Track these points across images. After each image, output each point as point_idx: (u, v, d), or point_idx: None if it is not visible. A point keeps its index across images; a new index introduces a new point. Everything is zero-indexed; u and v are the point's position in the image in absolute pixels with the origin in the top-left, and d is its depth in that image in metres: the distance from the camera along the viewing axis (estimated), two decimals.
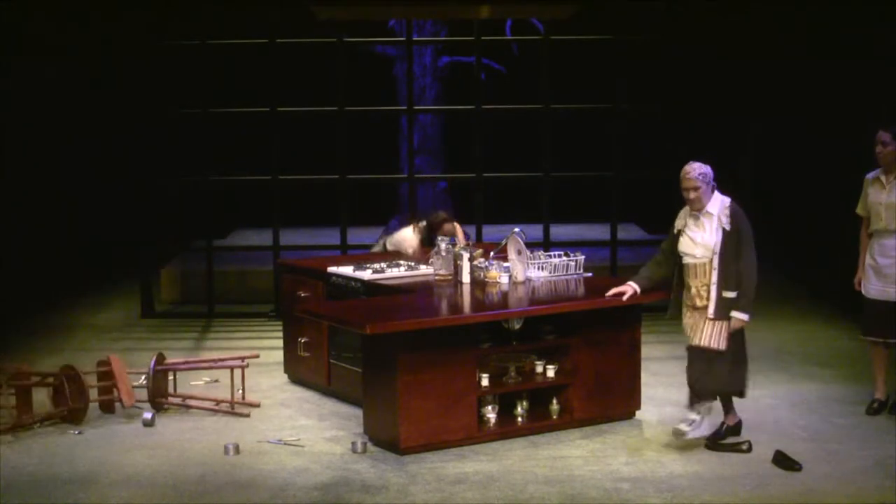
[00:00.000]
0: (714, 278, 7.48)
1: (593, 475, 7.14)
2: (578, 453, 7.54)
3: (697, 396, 7.66)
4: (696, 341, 7.60)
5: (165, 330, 11.53)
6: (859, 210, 8.35)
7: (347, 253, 11.77)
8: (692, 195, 7.48)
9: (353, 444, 7.67)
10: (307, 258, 10.49)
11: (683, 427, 7.56)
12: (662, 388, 9.04)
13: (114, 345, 10.75)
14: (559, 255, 8.79)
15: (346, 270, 8.83)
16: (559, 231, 12.95)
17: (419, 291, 8.29)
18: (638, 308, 8.27)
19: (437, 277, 8.58)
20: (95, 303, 12.77)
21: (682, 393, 8.90)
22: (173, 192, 13.08)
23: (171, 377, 8.67)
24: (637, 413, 8.30)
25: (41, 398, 8.49)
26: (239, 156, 13.76)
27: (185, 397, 8.64)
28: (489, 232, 12.03)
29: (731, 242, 7.44)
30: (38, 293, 12.98)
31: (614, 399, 8.16)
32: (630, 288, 7.88)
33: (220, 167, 12.38)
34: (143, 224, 12.15)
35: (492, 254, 8.81)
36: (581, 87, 13.03)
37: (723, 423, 7.75)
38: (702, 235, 7.52)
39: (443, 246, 8.59)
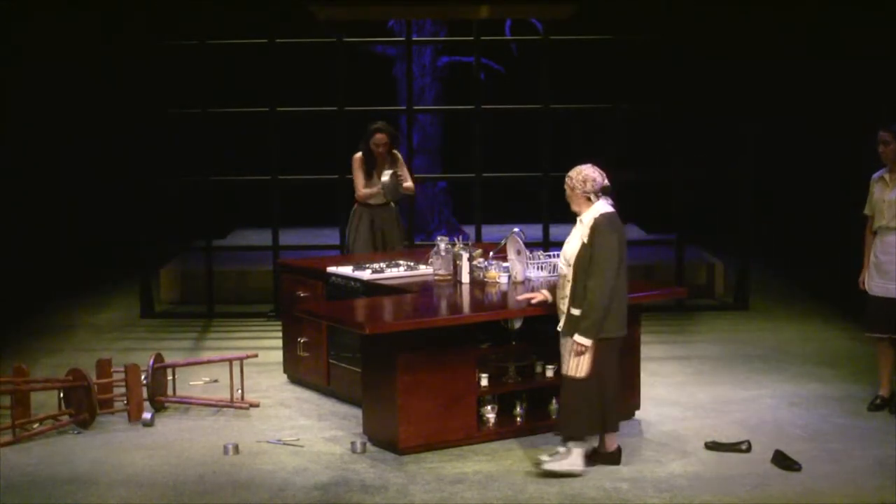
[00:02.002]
0: (567, 292, 7.12)
1: (592, 475, 7.14)
2: None
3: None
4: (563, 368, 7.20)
5: (165, 330, 11.53)
6: (866, 210, 8.41)
7: (347, 253, 11.76)
8: (567, 195, 7.20)
9: (353, 443, 7.67)
10: (307, 258, 10.49)
11: (544, 457, 7.18)
12: (662, 388, 9.04)
13: (113, 345, 10.75)
14: (559, 256, 8.77)
15: (346, 270, 8.82)
16: (559, 231, 12.92)
17: (418, 291, 8.28)
18: (637, 308, 8.25)
19: (436, 277, 8.58)
20: (95, 303, 12.76)
21: (682, 393, 8.93)
22: (173, 192, 13.07)
23: (170, 377, 8.67)
24: (636, 413, 8.29)
25: (41, 398, 8.48)
26: (239, 156, 13.76)
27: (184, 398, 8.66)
28: (489, 232, 12.02)
29: (585, 257, 7.02)
30: (38, 293, 12.98)
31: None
32: (541, 294, 7.51)
33: (220, 167, 12.38)
34: (143, 224, 12.14)
35: (491, 254, 8.81)
36: (581, 87, 13.02)
37: (593, 450, 7.29)
38: (570, 245, 7.18)
39: (442, 246, 8.60)
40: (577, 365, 7.06)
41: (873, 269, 8.32)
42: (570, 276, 7.09)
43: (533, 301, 7.52)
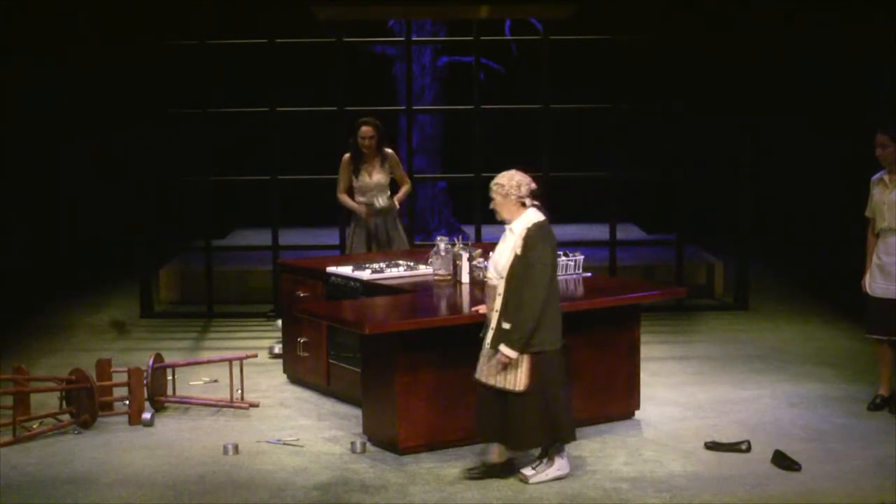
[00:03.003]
0: (497, 305, 6.87)
1: (592, 475, 7.14)
2: (577, 453, 7.53)
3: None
4: (481, 376, 6.96)
5: (164, 330, 11.52)
6: (868, 212, 8.41)
7: (347, 253, 11.76)
8: (491, 204, 6.95)
9: (353, 444, 7.66)
10: (306, 258, 10.50)
11: (527, 471, 7.03)
12: (662, 388, 9.04)
13: (113, 345, 10.75)
14: (558, 255, 8.77)
15: (346, 270, 8.82)
16: (558, 231, 12.81)
17: (418, 291, 8.28)
18: (637, 308, 8.26)
19: (436, 277, 8.57)
20: (95, 303, 12.76)
21: (682, 393, 8.93)
22: (173, 192, 13.07)
23: (170, 377, 8.68)
24: (636, 413, 8.29)
25: (41, 398, 8.49)
26: (239, 156, 13.76)
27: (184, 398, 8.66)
28: (489, 232, 12.01)
29: (518, 268, 6.78)
30: (38, 293, 12.98)
31: (613, 399, 8.16)
32: (484, 307, 7.20)
33: (220, 167, 12.38)
34: (143, 224, 12.14)
35: (491, 254, 8.80)
36: (580, 87, 13.02)
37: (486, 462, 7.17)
38: (499, 254, 6.94)
39: (442, 246, 8.60)
40: (515, 378, 6.83)
41: (876, 271, 8.32)
42: (500, 289, 6.86)
43: (480, 310, 7.27)
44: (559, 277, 8.56)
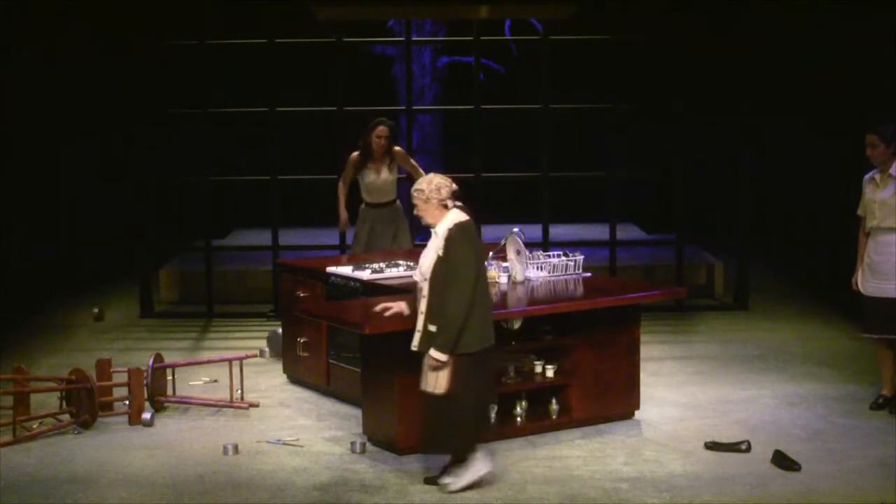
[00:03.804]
0: (423, 307, 6.83)
1: (592, 475, 7.14)
2: (577, 453, 7.53)
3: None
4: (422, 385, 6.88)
5: (164, 330, 11.53)
6: (859, 211, 8.42)
7: (346, 253, 11.77)
8: (415, 211, 6.92)
9: (353, 444, 7.66)
10: (306, 258, 10.50)
11: (445, 480, 6.91)
12: (661, 388, 9.04)
13: (113, 345, 10.75)
14: (558, 256, 8.79)
15: (346, 270, 8.82)
16: (558, 231, 12.96)
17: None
18: (637, 308, 8.26)
19: None
20: (94, 302, 12.76)
21: (682, 393, 8.93)
22: (173, 192, 13.07)
23: (169, 377, 8.68)
24: (636, 413, 8.29)
25: (41, 398, 8.48)
26: (239, 156, 13.76)
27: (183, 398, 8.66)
28: (488, 232, 11.98)
29: (441, 270, 6.72)
30: (38, 293, 12.98)
31: (613, 399, 8.16)
32: (397, 306, 7.16)
33: (220, 167, 12.38)
34: (143, 224, 12.14)
35: (491, 254, 8.80)
36: (580, 87, 13.02)
37: (445, 467, 7.05)
38: (424, 257, 6.87)
39: None
40: (436, 381, 6.75)
41: (867, 270, 8.32)
42: (425, 291, 6.80)
43: (387, 313, 7.15)
44: (559, 277, 8.62)
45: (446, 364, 6.72)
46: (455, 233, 6.76)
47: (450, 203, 6.87)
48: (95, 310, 11.94)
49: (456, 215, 6.85)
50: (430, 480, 7.02)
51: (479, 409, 6.91)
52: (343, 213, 10.47)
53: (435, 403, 6.80)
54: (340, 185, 10.41)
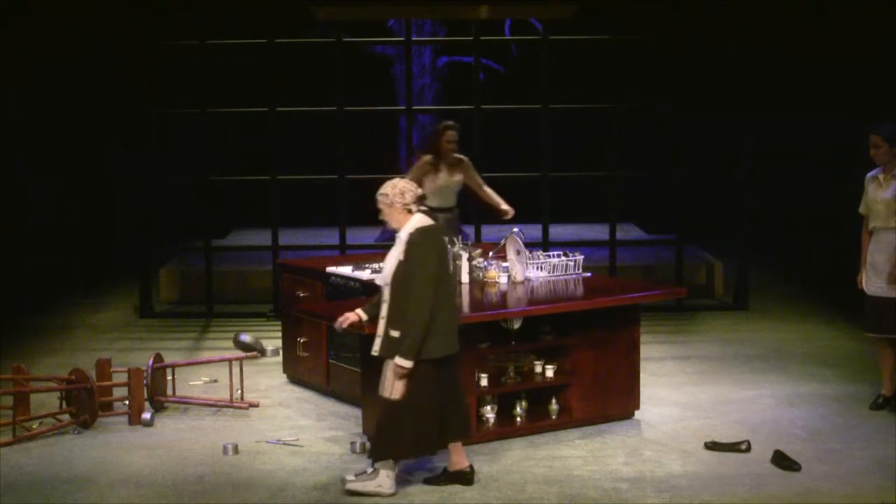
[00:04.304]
0: (384, 311, 6.77)
1: (592, 475, 7.14)
2: (577, 453, 7.53)
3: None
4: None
5: (164, 330, 11.52)
6: (861, 209, 8.43)
7: (346, 253, 11.77)
8: (380, 215, 6.87)
9: (352, 444, 7.66)
10: (306, 258, 10.49)
11: (349, 476, 6.87)
12: (661, 388, 9.04)
13: (113, 345, 10.75)
14: (558, 255, 8.79)
15: (345, 270, 8.82)
16: (558, 231, 12.96)
17: None
18: (637, 308, 8.26)
19: None
20: (94, 303, 12.77)
21: (682, 393, 8.93)
22: (173, 192, 13.07)
23: (169, 377, 8.68)
24: (636, 413, 8.29)
25: (41, 398, 8.48)
26: (238, 155, 13.76)
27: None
28: (488, 232, 12.03)
29: (403, 274, 6.67)
30: (38, 293, 12.97)
31: (613, 399, 8.16)
32: (354, 315, 7.02)
33: (220, 167, 12.38)
34: (143, 224, 12.14)
35: (491, 254, 8.81)
36: (580, 87, 13.02)
37: (444, 469, 7.04)
38: (387, 263, 6.83)
39: None
40: (393, 387, 6.69)
41: (870, 269, 8.33)
42: (386, 296, 6.75)
43: (344, 325, 7.05)
44: (559, 277, 8.61)
45: (409, 371, 6.66)
46: (416, 237, 6.71)
47: (413, 208, 6.82)
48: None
49: (419, 220, 6.79)
50: (430, 481, 7.02)
51: (425, 418, 6.80)
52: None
53: (390, 409, 6.74)
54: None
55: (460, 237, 9.29)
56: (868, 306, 8.37)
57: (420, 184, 9.79)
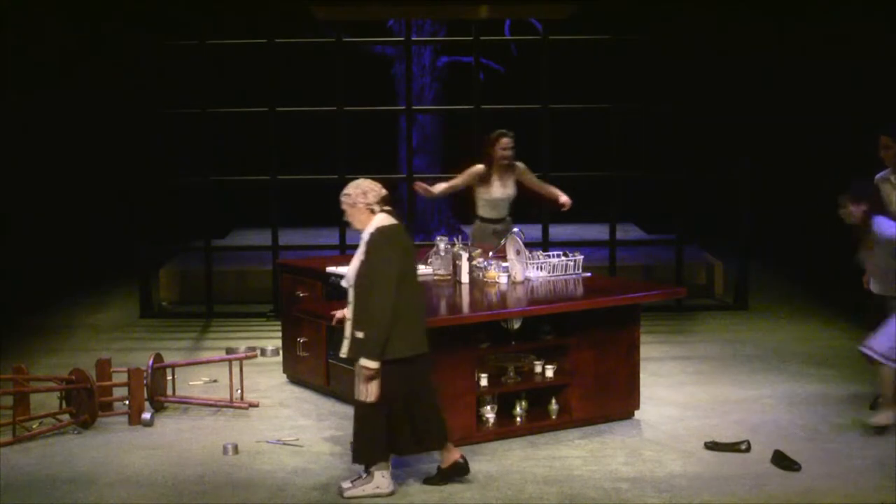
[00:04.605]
0: (349, 313, 6.75)
1: (592, 475, 7.14)
2: (577, 453, 7.54)
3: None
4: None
5: (164, 330, 11.53)
6: None
7: (346, 253, 11.77)
8: (344, 216, 6.88)
9: (352, 443, 7.65)
10: (306, 258, 10.49)
11: (345, 484, 6.83)
12: (661, 389, 9.04)
13: (113, 345, 10.75)
14: (558, 255, 8.79)
15: (345, 270, 8.80)
16: (558, 231, 12.95)
17: None
18: (637, 308, 8.26)
19: (435, 277, 8.57)
20: (94, 302, 12.77)
21: (682, 393, 8.93)
22: (173, 192, 13.07)
23: (169, 377, 8.68)
24: (636, 413, 8.29)
25: (41, 398, 8.48)
26: (238, 155, 13.76)
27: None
28: None
29: (364, 274, 6.66)
30: (38, 293, 12.98)
31: (613, 399, 8.16)
32: (341, 313, 7.09)
33: (220, 167, 12.38)
34: (143, 224, 12.14)
35: (490, 254, 8.81)
36: (580, 87, 13.02)
37: (437, 467, 7.03)
38: (351, 265, 6.81)
39: (441, 246, 8.60)
40: (367, 390, 6.67)
41: (876, 270, 8.32)
42: (351, 297, 6.74)
43: (334, 321, 7.18)
44: (559, 277, 8.61)
45: (378, 372, 6.64)
46: (376, 237, 6.70)
47: (376, 208, 6.79)
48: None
49: (381, 220, 6.76)
50: (430, 480, 7.02)
51: (399, 419, 6.77)
52: (439, 186, 9.81)
53: (364, 411, 6.72)
54: (444, 185, 9.83)
55: (459, 237, 9.27)
56: (876, 306, 8.35)
57: (472, 193, 9.72)
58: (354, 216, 6.83)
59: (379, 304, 6.59)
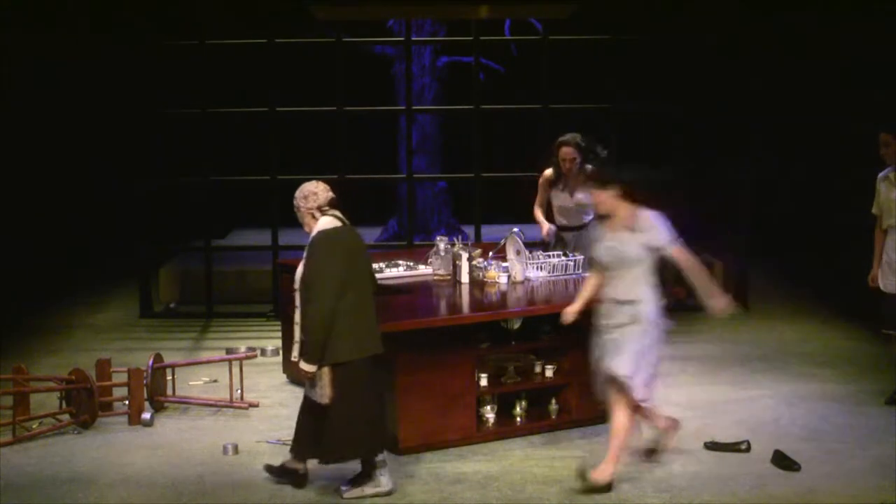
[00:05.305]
0: (297, 317, 6.76)
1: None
2: (577, 453, 7.53)
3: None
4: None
5: (164, 330, 11.52)
6: (874, 209, 8.43)
7: None
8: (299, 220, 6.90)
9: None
10: None
11: (343, 487, 6.86)
12: (662, 388, 9.01)
13: (113, 345, 10.74)
14: (558, 256, 8.79)
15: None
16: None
17: (418, 291, 8.28)
18: None
19: (435, 277, 8.58)
20: (94, 302, 12.76)
21: (682, 393, 8.92)
22: (173, 192, 13.07)
23: (169, 377, 8.68)
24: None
25: (41, 398, 8.48)
26: (238, 155, 13.75)
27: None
28: (488, 232, 12.02)
29: (304, 278, 6.68)
30: (38, 293, 12.98)
31: None
32: None
33: (219, 167, 12.38)
34: (143, 224, 12.14)
35: (490, 254, 8.81)
36: (580, 87, 13.02)
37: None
38: (299, 268, 6.80)
39: (441, 246, 8.60)
40: (321, 391, 6.68)
41: (886, 268, 8.34)
42: (297, 301, 6.73)
43: None
44: (559, 277, 8.61)
45: (316, 374, 6.64)
46: (314, 240, 6.70)
47: (317, 213, 6.80)
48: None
49: (324, 223, 6.76)
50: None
51: (361, 417, 6.71)
52: (545, 225, 9.34)
53: (324, 413, 6.73)
54: (536, 210, 9.35)
55: (459, 237, 9.25)
56: (887, 304, 8.37)
57: (546, 202, 9.28)
58: (302, 220, 6.87)
59: (315, 307, 6.58)
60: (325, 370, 6.65)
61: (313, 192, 6.83)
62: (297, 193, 6.86)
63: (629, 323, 6.86)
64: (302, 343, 6.68)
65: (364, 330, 6.74)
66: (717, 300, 6.98)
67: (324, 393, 6.68)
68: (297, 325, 6.77)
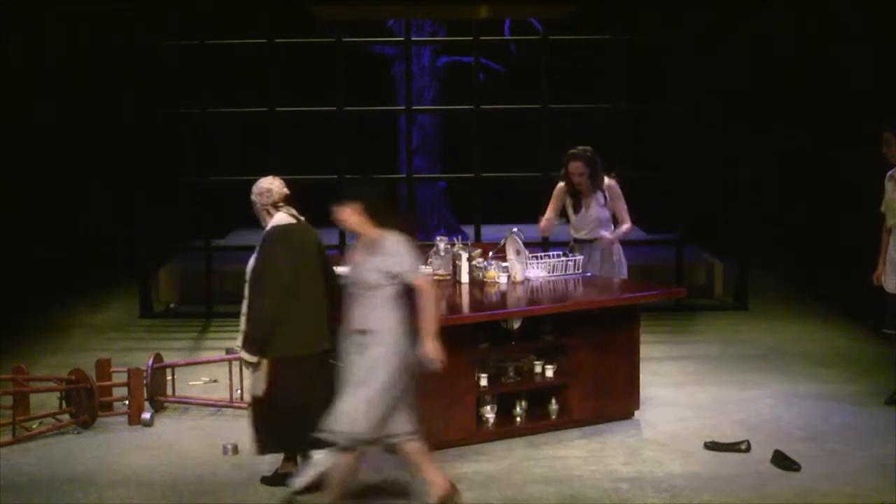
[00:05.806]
0: (244, 308, 6.83)
1: (592, 475, 7.14)
2: (577, 453, 7.53)
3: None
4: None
5: (164, 330, 11.52)
6: (882, 208, 8.44)
7: (346, 253, 11.74)
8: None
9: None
10: None
11: (294, 481, 6.80)
12: (661, 388, 9.04)
13: (113, 345, 10.74)
14: (558, 255, 8.79)
15: (345, 270, 8.79)
16: (558, 231, 12.92)
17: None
18: (637, 308, 8.26)
19: (435, 277, 8.57)
20: (94, 302, 12.76)
21: (682, 393, 8.93)
22: (173, 192, 13.07)
23: (169, 377, 8.68)
24: (636, 413, 8.29)
25: (41, 398, 8.48)
26: (238, 155, 13.76)
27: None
28: (488, 232, 12.03)
29: (253, 272, 6.78)
30: (38, 293, 12.98)
31: (613, 399, 8.15)
32: None
33: (220, 167, 12.38)
34: (143, 224, 12.14)
35: (490, 254, 8.81)
36: (580, 87, 13.02)
37: (276, 469, 7.01)
38: (250, 261, 6.87)
39: (441, 246, 8.60)
40: (254, 384, 6.75)
41: (889, 267, 8.34)
42: (246, 292, 6.80)
43: None
44: (559, 277, 8.61)
45: (255, 365, 6.71)
46: (266, 235, 6.78)
47: (272, 209, 6.90)
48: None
49: (278, 219, 6.85)
50: (265, 479, 6.99)
51: (292, 414, 6.71)
52: (545, 219, 9.12)
53: (258, 406, 6.77)
54: (543, 221, 9.11)
55: (459, 237, 9.26)
56: (889, 304, 8.37)
57: (555, 211, 9.07)
58: (259, 216, 6.97)
59: (259, 302, 6.68)
60: (265, 363, 6.71)
61: (268, 188, 6.93)
62: (254, 189, 6.97)
63: (356, 353, 6.42)
64: (245, 334, 6.74)
65: (311, 327, 6.79)
66: (426, 347, 6.44)
67: (256, 385, 6.74)
68: (242, 316, 6.82)
